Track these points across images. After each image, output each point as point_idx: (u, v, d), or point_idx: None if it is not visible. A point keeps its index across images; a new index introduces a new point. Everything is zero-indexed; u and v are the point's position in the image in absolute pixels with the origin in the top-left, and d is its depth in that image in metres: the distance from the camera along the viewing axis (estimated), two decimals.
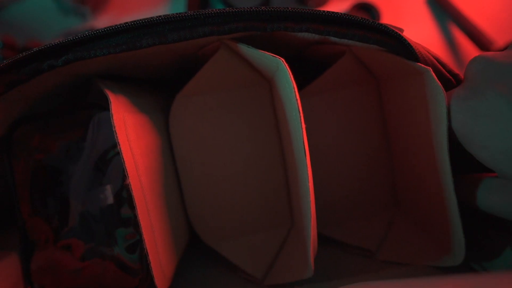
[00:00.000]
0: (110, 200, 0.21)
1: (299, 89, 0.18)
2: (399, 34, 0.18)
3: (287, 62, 0.18)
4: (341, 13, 0.18)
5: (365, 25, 0.19)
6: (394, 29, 0.20)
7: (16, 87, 0.18)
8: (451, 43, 0.50)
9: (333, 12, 0.18)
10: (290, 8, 0.18)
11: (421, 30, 0.50)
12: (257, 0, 0.50)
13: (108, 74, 0.23)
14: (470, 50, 0.49)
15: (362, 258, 0.24)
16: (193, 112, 0.25)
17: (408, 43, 0.19)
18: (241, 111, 0.26)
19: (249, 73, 0.25)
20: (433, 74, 0.18)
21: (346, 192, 0.27)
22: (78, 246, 0.22)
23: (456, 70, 0.21)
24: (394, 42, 0.19)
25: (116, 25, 0.18)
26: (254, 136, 0.26)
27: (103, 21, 0.51)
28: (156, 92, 0.28)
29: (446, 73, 0.21)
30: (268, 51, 0.18)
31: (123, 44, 0.18)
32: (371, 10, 0.50)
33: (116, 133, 0.17)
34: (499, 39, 0.49)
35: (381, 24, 0.18)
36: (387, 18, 0.50)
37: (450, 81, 0.21)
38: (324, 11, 0.18)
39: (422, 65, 0.18)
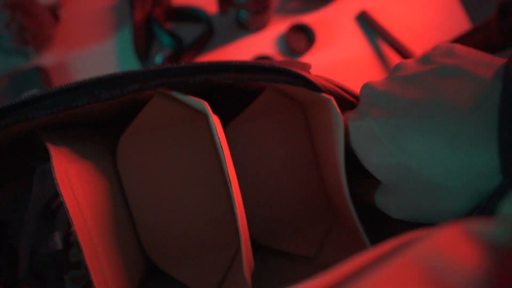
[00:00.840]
0: (59, 246, 0.23)
1: (236, 115, 0.21)
2: (301, 74, 0.22)
3: (219, 93, 0.20)
4: (251, 62, 0.21)
5: (273, 70, 0.22)
6: (300, 66, 0.23)
7: None
8: (379, 54, 0.56)
9: (244, 62, 0.21)
10: (207, 63, 0.21)
11: (352, 45, 0.56)
12: (200, 29, 0.53)
13: (51, 125, 0.24)
14: (395, 60, 0.56)
15: (305, 265, 0.28)
16: (138, 149, 0.28)
17: (310, 79, 0.22)
18: (184, 144, 0.29)
19: (186, 111, 0.27)
20: (334, 102, 0.22)
21: (286, 208, 0.31)
22: None
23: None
24: (299, 80, 0.23)
25: (50, 89, 0.19)
26: (198, 165, 0.29)
27: (47, 58, 0.51)
28: (101, 134, 0.30)
29: (349, 97, 0.25)
30: (200, 89, 0.21)
31: (59, 105, 0.20)
32: (307, 31, 0.55)
33: (58, 185, 0.19)
34: (417, 50, 0.56)
35: (285, 69, 0.22)
36: (322, 36, 0.55)
37: (353, 103, 0.25)
38: (236, 62, 0.21)
39: (326, 95, 0.22)
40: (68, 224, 0.22)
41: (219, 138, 0.20)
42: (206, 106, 0.21)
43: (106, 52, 0.53)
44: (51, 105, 0.20)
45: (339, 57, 0.55)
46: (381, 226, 0.25)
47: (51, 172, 0.23)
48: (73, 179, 0.21)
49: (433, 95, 0.16)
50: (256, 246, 0.32)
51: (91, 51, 0.52)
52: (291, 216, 0.30)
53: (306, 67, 0.24)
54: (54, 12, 0.51)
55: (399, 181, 0.17)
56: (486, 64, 0.15)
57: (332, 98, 0.22)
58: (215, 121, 0.20)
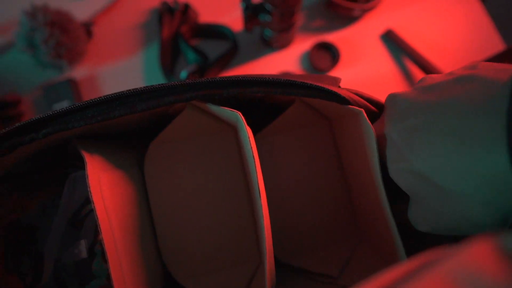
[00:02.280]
0: (84, 254, 0.23)
1: (262, 127, 0.21)
2: (332, 90, 0.22)
3: (249, 106, 0.20)
4: (283, 79, 0.21)
5: (304, 86, 0.22)
6: (331, 81, 0.23)
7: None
8: (405, 72, 0.55)
9: (277, 78, 0.21)
10: (240, 77, 0.21)
11: (377, 63, 0.55)
12: (225, 46, 0.54)
13: (85, 135, 0.25)
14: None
15: (326, 285, 0.26)
16: (165, 158, 0.28)
17: (341, 95, 0.22)
18: (210, 155, 0.28)
19: (215, 123, 0.27)
20: (365, 114, 0.21)
21: (311, 224, 0.29)
22: None
23: None
24: (331, 96, 0.22)
25: (90, 100, 0.20)
26: (223, 177, 0.29)
27: (79, 72, 0.54)
28: (131, 143, 0.30)
29: (374, 108, 0.24)
30: (229, 102, 0.21)
31: (98, 115, 0.20)
32: (331, 49, 0.55)
33: (90, 192, 0.19)
34: (446, 69, 0.54)
35: (317, 86, 0.21)
36: (346, 55, 0.55)
37: (378, 113, 0.24)
38: (269, 77, 0.21)
39: (356, 107, 0.22)
40: (94, 233, 0.22)
41: (251, 149, 0.20)
42: (240, 116, 0.20)
43: (134, 67, 0.54)
44: (91, 116, 0.20)
45: (364, 76, 0.55)
46: (414, 246, 0.24)
47: (81, 180, 0.23)
48: (104, 188, 0.21)
49: (446, 98, 0.16)
50: (275, 263, 0.31)
51: (119, 65, 0.54)
52: (315, 233, 0.29)
53: (337, 81, 0.24)
54: (87, 29, 0.53)
55: (417, 188, 0.17)
56: (503, 70, 0.15)
57: (363, 111, 0.21)
58: (249, 132, 0.20)
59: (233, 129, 0.29)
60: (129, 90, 0.20)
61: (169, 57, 0.52)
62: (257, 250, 0.29)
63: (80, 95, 0.53)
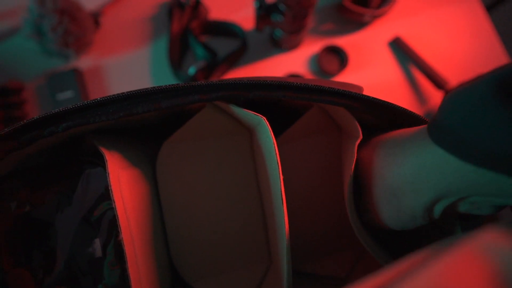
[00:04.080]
0: (99, 253, 0.22)
1: (275, 134, 0.21)
2: (363, 95, 0.22)
3: (263, 108, 0.20)
4: (311, 84, 0.21)
5: (332, 92, 0.22)
6: (355, 89, 0.23)
7: (14, 152, 0.19)
8: (411, 80, 0.56)
9: (303, 84, 0.21)
10: (268, 80, 0.21)
11: (384, 69, 0.56)
12: (234, 44, 0.54)
13: (101, 129, 0.24)
14: (427, 87, 0.55)
15: (333, 287, 0.27)
16: (178, 157, 0.27)
17: (376, 100, 0.22)
18: (224, 157, 0.28)
19: (231, 124, 0.27)
20: (357, 142, 0.23)
21: (318, 230, 0.30)
22: None
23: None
24: (357, 103, 0.22)
25: (113, 95, 0.20)
26: (235, 179, 0.29)
27: (85, 62, 0.53)
28: (143, 140, 0.30)
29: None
30: (247, 105, 0.21)
31: (120, 111, 0.20)
32: (340, 53, 0.55)
33: (112, 191, 0.19)
34: (453, 79, 0.55)
35: (346, 91, 0.22)
36: (354, 60, 0.55)
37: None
38: (297, 83, 0.21)
39: (359, 129, 0.22)
40: (108, 232, 0.22)
41: (276, 156, 0.20)
42: (264, 120, 0.20)
43: (140, 60, 0.54)
44: (113, 111, 0.20)
45: (371, 81, 0.55)
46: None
47: (96, 177, 0.22)
48: (123, 186, 0.21)
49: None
50: None
51: (126, 58, 0.53)
52: (323, 239, 0.29)
53: (361, 90, 0.24)
54: (95, 19, 0.52)
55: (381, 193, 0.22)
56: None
57: (359, 139, 0.22)
58: (273, 138, 0.20)
59: (248, 132, 0.29)
60: (153, 87, 0.20)
61: (178, 52, 0.51)
62: (266, 252, 0.29)
63: (85, 85, 0.52)
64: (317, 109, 0.27)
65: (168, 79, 0.52)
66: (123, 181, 0.21)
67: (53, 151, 0.24)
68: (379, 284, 0.11)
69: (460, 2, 0.58)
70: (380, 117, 0.23)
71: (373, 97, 0.21)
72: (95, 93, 0.52)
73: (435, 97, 0.55)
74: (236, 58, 0.51)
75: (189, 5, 0.51)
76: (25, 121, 0.19)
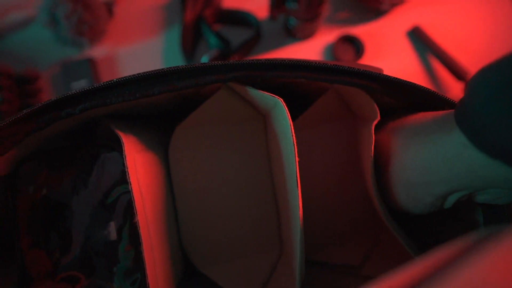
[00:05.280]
0: (114, 236, 0.22)
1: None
2: (385, 75, 0.21)
3: (279, 94, 0.20)
4: (330, 64, 0.20)
5: (352, 72, 0.21)
6: (375, 70, 0.22)
7: (33, 134, 0.19)
8: (430, 71, 0.54)
9: (323, 63, 0.20)
10: (286, 60, 0.20)
11: (402, 60, 0.54)
12: (247, 32, 0.53)
13: (115, 114, 0.24)
14: (447, 79, 0.53)
15: (348, 276, 0.26)
16: (191, 142, 0.27)
17: (391, 77, 0.21)
18: (236, 142, 0.28)
19: (245, 109, 0.26)
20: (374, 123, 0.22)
21: (332, 219, 0.29)
22: (79, 280, 0.23)
23: None
24: (376, 84, 0.21)
25: (129, 76, 0.19)
26: (247, 165, 0.28)
27: (99, 51, 0.53)
28: (156, 125, 0.29)
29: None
30: (260, 86, 0.21)
31: (137, 92, 0.19)
32: (356, 42, 0.53)
33: (128, 174, 0.18)
34: (473, 70, 0.53)
35: (366, 71, 0.21)
36: (371, 50, 0.54)
37: None
38: (315, 61, 0.20)
39: (377, 110, 0.21)
40: (123, 216, 0.22)
41: (292, 137, 0.19)
42: (280, 102, 0.20)
43: (153, 49, 0.53)
44: (129, 92, 0.19)
45: (387, 71, 0.54)
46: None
47: (112, 161, 0.22)
48: (139, 169, 0.20)
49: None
50: None
51: (139, 47, 0.53)
52: (337, 228, 0.29)
53: (381, 71, 0.23)
54: (109, 8, 0.52)
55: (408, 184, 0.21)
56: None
57: (376, 120, 0.21)
58: (290, 120, 0.19)
59: (262, 117, 0.28)
60: (169, 67, 0.19)
61: (191, 41, 0.51)
62: (278, 240, 0.28)
63: (98, 74, 0.52)
64: (333, 94, 0.26)
65: None
66: (138, 164, 0.20)
67: (69, 134, 0.24)
68: (409, 282, 0.10)
69: None
70: (400, 99, 0.22)
71: (395, 77, 0.20)
72: None
73: (455, 88, 0.53)
74: (250, 47, 0.51)
75: None
76: (43, 102, 0.19)
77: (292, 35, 0.53)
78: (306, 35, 0.53)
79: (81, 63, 0.50)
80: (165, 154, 0.27)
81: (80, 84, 0.50)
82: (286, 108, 0.19)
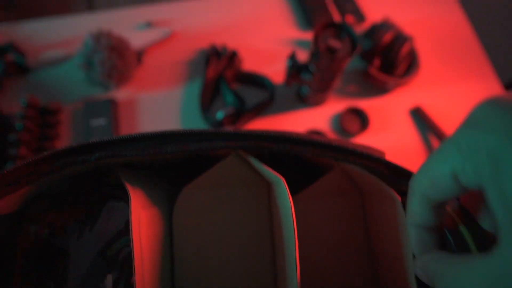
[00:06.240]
0: None
1: (292, 189, 0.21)
2: (388, 161, 0.22)
3: (287, 160, 0.20)
4: (337, 143, 0.22)
5: (358, 154, 0.22)
6: (379, 153, 0.23)
7: (47, 175, 0.20)
8: (429, 149, 0.56)
9: (329, 142, 0.22)
10: (295, 135, 0.22)
11: (403, 136, 0.56)
12: (261, 94, 0.57)
13: (127, 163, 0.25)
14: None
15: None
16: (197, 204, 0.28)
17: (404, 169, 0.22)
18: (240, 206, 0.28)
19: (251, 176, 0.28)
20: (402, 204, 0.21)
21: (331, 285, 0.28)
22: None
23: None
24: (382, 167, 0.22)
25: (145, 132, 0.21)
26: (249, 231, 0.28)
27: (122, 93, 0.57)
28: (164, 176, 0.31)
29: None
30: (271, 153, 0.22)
31: (150, 148, 0.21)
32: (362, 114, 0.56)
33: (131, 232, 0.19)
34: None
35: (373, 155, 0.22)
36: (375, 123, 0.56)
37: None
38: (322, 140, 0.22)
39: (396, 194, 0.22)
40: (121, 269, 0.22)
41: (293, 221, 0.20)
42: (283, 182, 0.21)
43: (173, 98, 0.57)
44: (143, 147, 0.21)
45: (389, 145, 0.56)
46: None
47: (117, 211, 0.23)
48: (143, 227, 0.21)
49: None
50: None
51: (160, 95, 0.57)
52: None
53: (383, 154, 0.24)
54: (139, 56, 0.58)
55: None
56: None
57: (400, 199, 0.22)
58: (291, 202, 0.20)
59: (267, 185, 0.29)
60: (184, 130, 0.21)
61: (209, 96, 0.54)
62: None
63: (117, 116, 0.55)
64: (339, 171, 0.27)
65: (196, 119, 0.55)
66: (143, 222, 0.21)
67: (78, 178, 0.25)
68: None
69: (480, 78, 0.60)
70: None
71: (396, 164, 0.22)
72: (126, 124, 0.55)
73: None
74: (263, 108, 0.54)
75: (226, 55, 0.56)
76: (62, 148, 0.20)
77: (303, 101, 0.57)
78: (316, 103, 0.57)
79: (103, 103, 0.54)
80: (168, 210, 0.27)
81: (98, 122, 0.52)
82: (288, 189, 0.20)
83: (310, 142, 0.22)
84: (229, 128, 0.21)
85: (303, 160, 0.30)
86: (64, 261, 0.22)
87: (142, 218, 0.21)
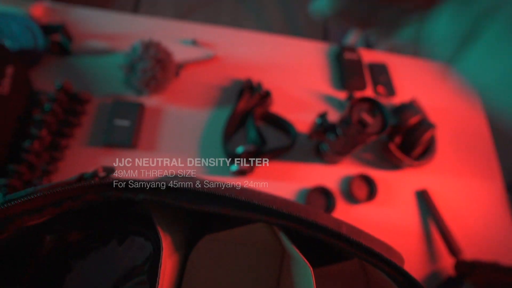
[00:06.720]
0: None
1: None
2: (409, 275, 0.23)
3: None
4: (364, 245, 0.23)
5: (383, 259, 0.23)
6: (400, 261, 0.24)
7: (88, 202, 0.21)
8: (427, 235, 0.57)
9: (360, 241, 0.23)
10: (329, 227, 0.23)
11: (406, 214, 0.58)
12: (282, 138, 0.59)
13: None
14: (441, 249, 0.56)
15: None
16: (213, 253, 0.28)
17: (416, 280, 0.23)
18: (253, 265, 0.29)
19: (273, 243, 0.28)
20: None
21: None
22: None
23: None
24: (402, 278, 0.23)
25: (190, 188, 0.22)
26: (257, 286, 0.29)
27: (152, 101, 0.58)
28: (186, 222, 0.31)
29: None
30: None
31: (191, 202, 0.22)
32: (371, 183, 0.58)
33: (158, 283, 0.19)
34: (468, 251, 0.56)
35: (397, 266, 0.23)
36: (382, 194, 0.58)
37: None
38: (353, 238, 0.23)
39: None
40: None
41: None
42: (311, 273, 0.21)
43: (198, 118, 0.58)
44: (184, 200, 0.21)
45: (390, 220, 0.57)
46: None
47: (138, 245, 0.23)
48: (166, 276, 0.21)
49: None
50: None
51: (187, 111, 0.58)
52: None
53: (403, 262, 0.26)
54: (177, 69, 0.59)
55: None
56: None
57: None
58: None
59: (282, 250, 0.30)
60: (231, 196, 0.22)
61: (234, 128, 0.56)
62: None
63: (142, 120, 0.56)
64: (356, 263, 0.28)
65: (214, 146, 0.56)
66: (167, 271, 0.22)
67: (107, 206, 0.25)
68: None
69: (486, 178, 0.63)
70: None
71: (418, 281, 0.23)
72: (147, 130, 0.56)
73: (446, 260, 0.56)
74: (281, 153, 0.55)
75: (260, 93, 0.58)
76: (110, 180, 0.21)
77: (320, 156, 0.58)
78: (331, 162, 0.58)
79: (132, 105, 0.55)
80: (184, 254, 0.28)
81: (122, 123, 0.53)
82: (314, 279, 0.21)
83: (342, 237, 0.23)
84: (271, 205, 0.22)
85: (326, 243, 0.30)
86: (71, 279, 0.22)
87: (167, 268, 0.22)
